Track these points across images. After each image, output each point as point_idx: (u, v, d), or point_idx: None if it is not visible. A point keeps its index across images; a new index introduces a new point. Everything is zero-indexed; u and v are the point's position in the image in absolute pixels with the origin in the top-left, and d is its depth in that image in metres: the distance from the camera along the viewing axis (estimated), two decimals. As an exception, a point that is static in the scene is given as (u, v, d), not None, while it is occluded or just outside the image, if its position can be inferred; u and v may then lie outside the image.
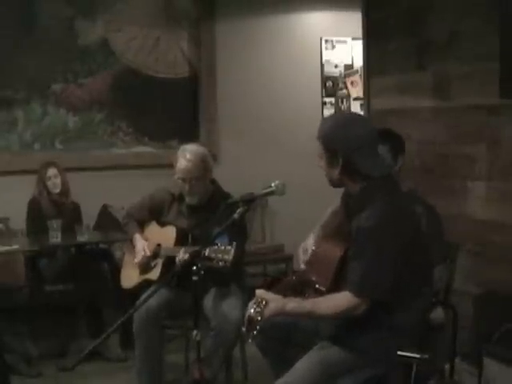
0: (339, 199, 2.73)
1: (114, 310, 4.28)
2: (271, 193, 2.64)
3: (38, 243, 4.50)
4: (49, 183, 4.72)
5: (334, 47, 6.46)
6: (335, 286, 2.49)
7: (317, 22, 6.31)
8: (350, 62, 6.56)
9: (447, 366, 3.28)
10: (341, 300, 2.43)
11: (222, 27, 5.88)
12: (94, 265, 4.66)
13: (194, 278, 2.60)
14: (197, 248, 2.70)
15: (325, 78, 6.46)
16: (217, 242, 2.87)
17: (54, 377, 4.16)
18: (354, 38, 6.23)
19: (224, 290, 3.50)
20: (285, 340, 2.76)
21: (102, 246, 4.88)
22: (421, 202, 3.23)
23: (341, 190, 2.67)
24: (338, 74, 6.52)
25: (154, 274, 3.58)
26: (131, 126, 5.64)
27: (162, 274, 3.52)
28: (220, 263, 2.88)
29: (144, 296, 3.30)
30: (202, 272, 2.60)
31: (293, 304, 2.48)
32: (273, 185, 2.62)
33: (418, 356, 2.77)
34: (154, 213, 3.71)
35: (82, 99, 5.47)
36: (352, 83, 6.58)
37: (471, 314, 3.64)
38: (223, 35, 5.89)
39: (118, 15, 5.54)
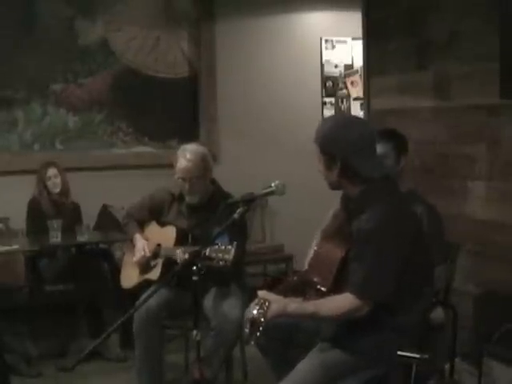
0: (339, 200, 2.73)
1: (114, 310, 4.28)
2: (271, 193, 2.64)
3: (38, 243, 4.50)
4: (49, 183, 4.72)
5: (334, 47, 6.46)
6: (336, 287, 2.49)
7: (317, 22, 6.31)
8: (350, 62, 6.56)
9: (447, 366, 3.27)
10: (343, 302, 2.43)
11: (221, 27, 5.88)
12: (94, 265, 4.66)
13: (194, 277, 2.60)
14: (197, 248, 2.70)
15: (325, 78, 6.46)
16: (217, 241, 2.87)
17: (54, 377, 4.17)
18: (353, 38, 6.23)
19: (224, 289, 3.50)
20: (286, 341, 2.76)
21: (101, 246, 4.88)
22: (421, 201, 3.23)
23: (341, 191, 2.67)
24: (337, 74, 6.52)
25: (154, 274, 3.58)
26: (131, 126, 5.64)
27: (162, 274, 3.52)
28: (220, 263, 2.89)
29: (144, 296, 3.30)
30: (202, 272, 2.60)
31: (295, 305, 2.48)
32: (273, 185, 2.63)
33: (417, 356, 2.78)
34: (154, 213, 3.71)
35: (82, 99, 5.47)
36: (352, 83, 6.58)
37: (471, 314, 3.64)
38: (223, 35, 5.88)
39: (117, 15, 5.54)
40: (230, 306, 3.39)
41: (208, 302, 3.48)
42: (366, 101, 4.76)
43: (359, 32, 4.84)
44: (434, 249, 2.98)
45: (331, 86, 6.49)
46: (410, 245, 2.45)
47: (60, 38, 5.37)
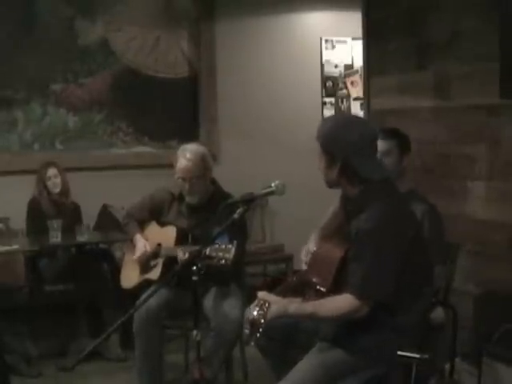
0: (339, 199, 2.73)
1: (114, 310, 4.28)
2: (271, 193, 2.64)
3: (37, 243, 4.50)
4: (49, 183, 4.72)
5: (334, 47, 6.45)
6: (335, 287, 2.49)
7: (317, 22, 6.31)
8: (350, 62, 6.56)
9: (447, 366, 3.28)
10: (342, 302, 2.43)
11: (221, 27, 5.88)
12: (94, 265, 4.66)
13: (194, 277, 2.60)
14: (197, 247, 2.70)
15: (325, 78, 6.45)
16: (217, 242, 2.87)
17: (54, 377, 4.17)
18: (353, 38, 6.22)
19: (224, 289, 3.50)
20: (286, 341, 2.76)
21: (102, 246, 4.88)
22: (422, 200, 3.24)
23: (340, 191, 2.67)
24: (337, 74, 6.52)
25: (155, 274, 3.58)
26: (131, 125, 5.64)
27: (163, 273, 3.52)
28: (221, 261, 2.89)
29: (144, 296, 3.30)
30: (202, 272, 2.60)
31: (294, 306, 2.47)
32: (273, 185, 2.62)
33: (417, 356, 2.77)
34: (154, 213, 3.71)
35: (82, 99, 5.47)
36: (352, 83, 6.58)
37: (471, 314, 3.64)
38: (223, 35, 5.88)
39: (117, 15, 5.54)
40: (230, 306, 3.39)
41: (208, 301, 3.48)
42: (366, 101, 4.76)
43: (359, 32, 4.83)
44: (435, 248, 2.99)
45: (331, 86, 6.49)
46: (409, 245, 2.45)
47: (60, 37, 5.37)
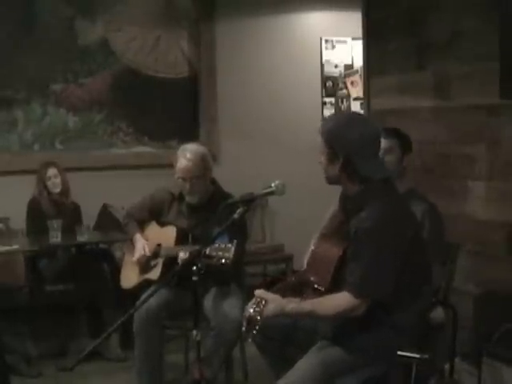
0: (338, 200, 2.73)
1: (114, 310, 4.28)
2: (271, 193, 2.64)
3: (37, 243, 4.50)
4: (49, 183, 4.72)
5: (334, 47, 6.46)
6: (334, 286, 2.49)
7: (317, 22, 6.31)
8: (350, 62, 6.56)
9: (447, 366, 3.28)
10: (340, 301, 2.44)
11: (221, 27, 5.88)
12: (94, 265, 4.66)
13: (194, 277, 2.60)
14: (197, 247, 2.70)
15: (325, 78, 6.46)
16: (217, 242, 2.87)
17: (54, 377, 4.17)
18: (353, 38, 6.23)
19: (224, 289, 3.50)
20: (284, 340, 2.76)
21: (102, 246, 4.88)
22: (423, 200, 3.25)
23: (340, 191, 2.67)
24: (337, 74, 6.52)
25: (154, 274, 3.58)
26: (131, 125, 5.65)
27: (163, 273, 3.52)
28: (221, 261, 2.89)
29: (144, 296, 3.30)
30: (202, 272, 2.60)
31: (292, 305, 2.47)
32: (273, 185, 2.63)
33: (417, 356, 2.78)
34: (154, 213, 3.71)
35: (82, 99, 5.47)
36: (352, 83, 6.58)
37: (471, 314, 3.64)
38: (223, 35, 5.89)
39: (117, 15, 5.54)
40: (230, 306, 3.39)
41: (208, 301, 3.48)
42: (366, 101, 4.76)
43: (359, 32, 4.83)
44: (435, 247, 3.00)
45: (331, 86, 6.49)
46: (409, 244, 2.46)
47: (60, 37, 5.37)
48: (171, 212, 3.67)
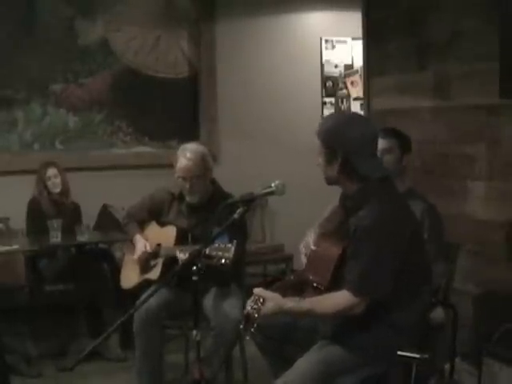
0: (339, 198, 2.73)
1: (114, 310, 4.28)
2: (271, 193, 2.64)
3: (37, 243, 4.50)
4: (49, 183, 4.71)
5: (334, 47, 6.46)
6: (334, 285, 2.50)
7: (317, 22, 6.31)
8: (350, 62, 6.56)
9: (447, 366, 3.27)
10: (339, 299, 2.44)
11: (221, 27, 5.88)
12: (94, 265, 4.66)
13: (194, 277, 2.60)
14: (197, 247, 2.70)
15: (325, 78, 6.46)
16: (217, 241, 2.87)
17: (54, 377, 4.17)
18: (353, 38, 6.23)
19: (224, 289, 3.50)
20: (284, 339, 2.76)
21: (101, 246, 4.88)
22: (422, 199, 3.25)
23: (340, 190, 2.67)
24: (337, 74, 6.52)
25: (154, 274, 3.58)
26: (131, 125, 5.65)
27: (162, 273, 3.52)
28: (221, 261, 2.89)
29: (144, 296, 3.30)
30: (202, 272, 2.60)
31: (291, 303, 2.48)
32: (273, 185, 2.62)
33: (417, 356, 2.78)
34: (154, 213, 3.71)
35: (82, 99, 5.47)
36: (352, 83, 6.58)
37: (471, 313, 3.64)
38: (223, 35, 5.89)
39: (117, 15, 5.54)
40: (230, 306, 3.39)
41: (208, 301, 3.48)
42: (366, 101, 4.76)
43: (359, 32, 4.84)
44: (435, 245, 3.00)
45: (331, 85, 6.50)
46: (408, 243, 2.46)
47: (60, 37, 5.37)
48: (171, 212, 3.67)
